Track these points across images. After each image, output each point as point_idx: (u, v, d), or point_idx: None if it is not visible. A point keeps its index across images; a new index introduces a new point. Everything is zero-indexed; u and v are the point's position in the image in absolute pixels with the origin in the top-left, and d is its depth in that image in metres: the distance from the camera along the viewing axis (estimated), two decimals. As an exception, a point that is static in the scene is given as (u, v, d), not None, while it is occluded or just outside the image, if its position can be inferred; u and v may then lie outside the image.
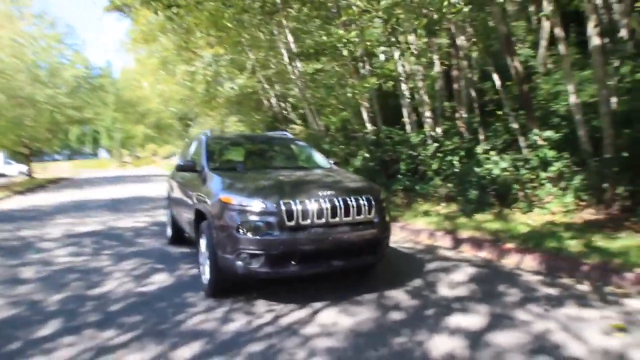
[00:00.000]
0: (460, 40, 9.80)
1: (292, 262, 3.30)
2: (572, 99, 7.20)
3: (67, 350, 2.74)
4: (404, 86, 10.44)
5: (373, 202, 3.62)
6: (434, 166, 8.84)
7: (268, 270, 3.25)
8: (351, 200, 3.50)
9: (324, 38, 9.84)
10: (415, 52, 9.48)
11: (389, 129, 10.81)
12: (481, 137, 9.37)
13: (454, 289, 3.83)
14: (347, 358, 2.58)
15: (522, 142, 7.94)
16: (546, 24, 13.33)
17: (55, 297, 3.80)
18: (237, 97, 14.56)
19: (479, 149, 8.12)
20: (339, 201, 3.44)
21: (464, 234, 5.78)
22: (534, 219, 6.35)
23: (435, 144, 9.11)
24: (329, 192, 3.50)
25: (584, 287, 3.81)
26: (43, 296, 3.83)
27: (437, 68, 10.43)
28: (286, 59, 12.83)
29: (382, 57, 11.96)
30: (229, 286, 3.64)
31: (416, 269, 4.48)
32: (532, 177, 7.05)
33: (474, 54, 9.91)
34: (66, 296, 3.83)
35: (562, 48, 7.18)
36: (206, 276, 3.73)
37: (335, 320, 3.15)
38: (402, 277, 4.19)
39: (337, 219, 3.42)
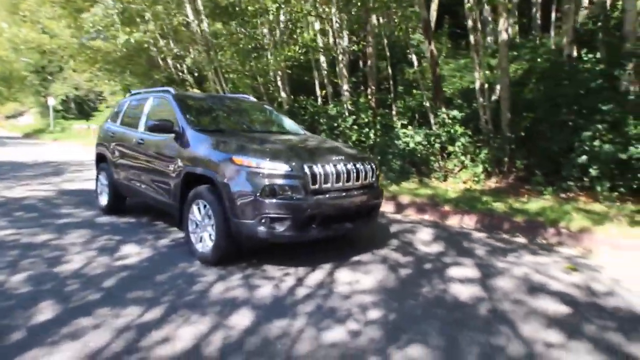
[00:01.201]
0: (374, 20, 10.38)
1: (313, 226, 3.34)
2: (477, 84, 8.30)
3: (99, 333, 2.40)
4: (322, 58, 10.67)
5: (374, 168, 3.85)
6: (354, 137, 9.36)
7: (292, 233, 3.24)
8: (360, 166, 3.66)
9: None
10: (337, 24, 9.73)
11: (304, 99, 10.98)
12: (393, 112, 10.22)
13: (429, 246, 4.32)
14: (395, 309, 2.81)
15: (432, 119, 8.93)
16: (433, 13, 14.85)
17: (15, 278, 3.17)
18: (126, 53, 12.92)
19: (398, 124, 8.89)
20: (351, 166, 3.57)
21: (402, 199, 6.40)
22: (451, 186, 7.34)
23: (353, 117, 9.62)
24: (340, 157, 3.60)
25: (521, 239, 4.67)
26: (-4, 278, 3.16)
27: (346, 42, 10.85)
28: (191, 16, 11.84)
29: (282, 24, 11.73)
30: (234, 253, 3.52)
31: (383, 231, 4.88)
32: (443, 150, 8.07)
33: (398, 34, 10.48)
34: (29, 275, 3.23)
35: (472, 38, 8.18)
36: (205, 244, 3.53)
37: (355, 278, 3.34)
38: (376, 239, 4.54)
39: (350, 183, 3.55)
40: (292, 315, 2.67)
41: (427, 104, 9.00)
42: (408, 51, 12.81)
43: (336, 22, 9.65)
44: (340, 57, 9.90)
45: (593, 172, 5.88)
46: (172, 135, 3.97)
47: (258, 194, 3.17)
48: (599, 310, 2.88)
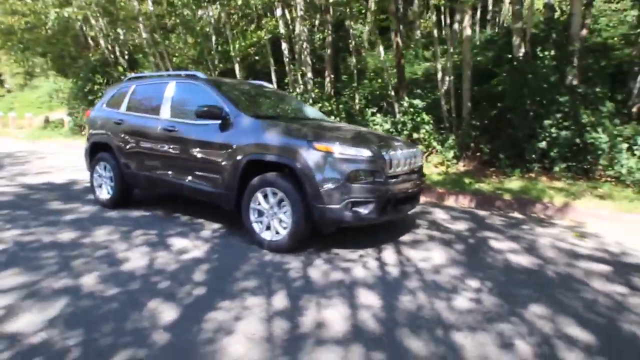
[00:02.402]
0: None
1: (388, 208, 3.51)
2: (439, 75, 8.98)
3: (248, 324, 2.36)
4: (284, 45, 10.59)
5: (421, 153, 4.11)
6: (322, 125, 9.52)
7: (374, 216, 3.38)
8: (414, 150, 3.90)
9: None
10: (302, 11, 9.73)
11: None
12: (356, 100, 10.57)
13: (454, 224, 4.72)
14: (484, 277, 3.13)
15: (396, 107, 9.46)
16: (372, 6, 15.48)
17: (86, 281, 2.88)
18: (51, 32, 11.44)
19: (368, 112, 9.26)
20: (409, 151, 3.79)
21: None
22: (426, 170, 7.91)
23: (319, 104, 9.78)
24: (400, 143, 3.79)
25: (518, 215, 5.31)
26: (59, 282, 2.84)
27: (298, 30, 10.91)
28: (132, -7, 10.90)
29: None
30: (306, 239, 3.55)
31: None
32: (409, 137, 8.63)
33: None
34: (99, 276, 2.95)
35: (436, 32, 8.80)
36: (275, 232, 3.51)
37: (424, 255, 3.59)
38: (404, 220, 4.81)
39: (410, 167, 3.78)
40: (408, 291, 2.85)
41: (392, 93, 9.50)
42: (358, 41, 13.23)
43: (300, 9, 9.64)
44: (304, 45, 9.93)
45: (553, 155, 6.81)
46: (218, 122, 3.81)
47: (345, 179, 3.24)
48: (629, 267, 3.49)
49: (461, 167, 8.06)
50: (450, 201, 6.01)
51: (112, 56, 13.50)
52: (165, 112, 4.33)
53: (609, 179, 6.46)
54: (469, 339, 2.26)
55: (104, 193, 4.91)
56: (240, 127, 3.70)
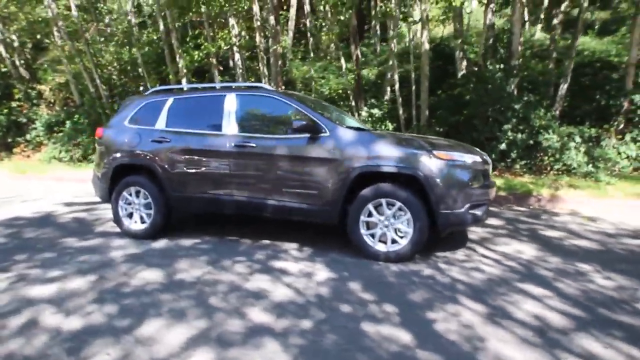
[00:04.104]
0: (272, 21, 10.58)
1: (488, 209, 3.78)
2: (397, 86, 9.64)
3: (482, 327, 2.39)
4: (237, 56, 10.24)
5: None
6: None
7: (485, 216, 3.61)
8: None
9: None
10: (258, 22, 9.57)
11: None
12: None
13: (490, 220, 5.20)
14: (580, 260, 3.59)
15: (356, 116, 9.88)
16: (291, 23, 15.81)
17: (256, 317, 2.58)
18: None
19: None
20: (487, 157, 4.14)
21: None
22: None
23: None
24: (477, 150, 4.10)
25: (522, 208, 6.06)
26: (232, 325, 2.50)
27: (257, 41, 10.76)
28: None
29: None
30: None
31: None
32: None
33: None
34: (263, 310, 2.65)
35: (393, 45, 9.46)
36: (391, 243, 3.52)
37: (513, 249, 3.95)
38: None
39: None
40: (552, 279, 3.16)
41: (353, 103, 9.89)
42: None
43: (257, 20, 9.48)
44: (261, 55, 9.76)
45: (513, 154, 7.87)
46: (307, 135, 3.68)
47: (466, 184, 3.43)
48: (655, 238, 4.33)
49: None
50: (453, 201, 6.54)
51: (13, 67, 11.48)
52: (231, 127, 3.97)
53: (557, 172, 7.69)
54: (653, 309, 2.65)
55: (137, 223, 4.27)
56: (341, 140, 3.62)
